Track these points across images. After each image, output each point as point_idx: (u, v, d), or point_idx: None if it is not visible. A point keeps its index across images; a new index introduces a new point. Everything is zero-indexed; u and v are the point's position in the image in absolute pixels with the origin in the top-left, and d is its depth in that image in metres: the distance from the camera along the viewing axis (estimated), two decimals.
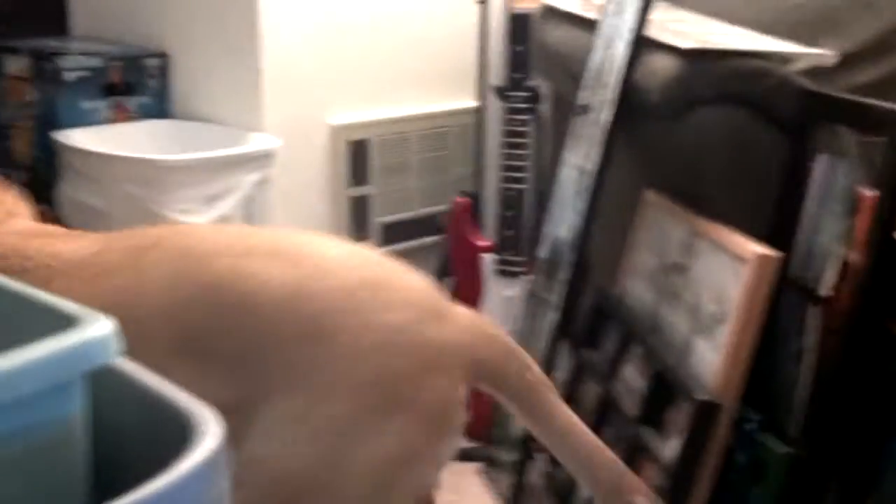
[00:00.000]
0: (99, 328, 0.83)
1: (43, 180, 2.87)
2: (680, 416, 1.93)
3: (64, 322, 0.85)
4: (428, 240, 3.13)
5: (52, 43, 3.07)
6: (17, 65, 2.96)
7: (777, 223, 1.99)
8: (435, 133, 3.14)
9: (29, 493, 0.83)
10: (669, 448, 1.92)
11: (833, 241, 1.81)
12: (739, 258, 1.91)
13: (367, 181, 3.02)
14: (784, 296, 1.90)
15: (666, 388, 1.99)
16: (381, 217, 3.06)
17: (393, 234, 3.09)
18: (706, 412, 1.85)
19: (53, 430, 0.83)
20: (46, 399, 0.81)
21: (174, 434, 0.87)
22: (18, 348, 0.79)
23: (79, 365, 0.82)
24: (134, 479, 0.80)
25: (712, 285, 1.99)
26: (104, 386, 0.91)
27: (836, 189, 1.83)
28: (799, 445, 1.80)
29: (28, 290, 0.97)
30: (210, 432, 0.86)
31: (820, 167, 1.89)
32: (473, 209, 2.85)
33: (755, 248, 1.88)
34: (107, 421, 0.92)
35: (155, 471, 0.80)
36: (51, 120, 2.84)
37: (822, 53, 2.18)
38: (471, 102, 3.13)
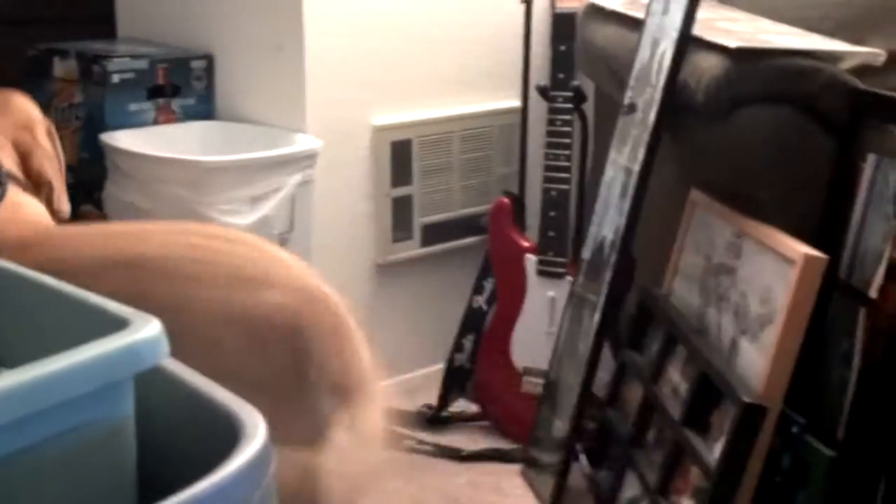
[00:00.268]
0: (148, 330, 0.85)
1: (89, 181, 2.89)
2: (724, 419, 1.92)
3: (114, 324, 0.87)
4: (470, 240, 3.13)
5: (98, 45, 3.08)
6: (64, 67, 2.98)
7: (825, 224, 1.97)
8: (478, 133, 3.13)
9: (79, 492, 0.85)
10: (714, 450, 1.91)
11: (882, 241, 1.79)
12: (787, 259, 1.90)
13: (410, 181, 3.02)
14: (832, 297, 1.88)
15: (710, 390, 1.98)
16: (423, 217, 3.05)
17: (435, 235, 3.09)
18: (751, 415, 1.84)
19: (104, 430, 0.85)
20: (97, 400, 0.82)
21: (221, 435, 0.89)
22: (70, 350, 0.80)
23: (129, 366, 0.84)
24: (181, 479, 0.81)
25: (759, 286, 1.98)
26: (152, 386, 0.92)
27: (885, 189, 1.82)
28: (844, 448, 1.79)
29: (79, 292, 0.99)
30: (256, 433, 0.87)
31: (869, 167, 1.87)
32: (516, 209, 2.85)
33: (803, 249, 1.87)
34: (155, 421, 0.94)
35: (202, 471, 0.82)
36: (97, 122, 2.85)
37: (871, 52, 2.16)
38: (514, 102, 3.13)
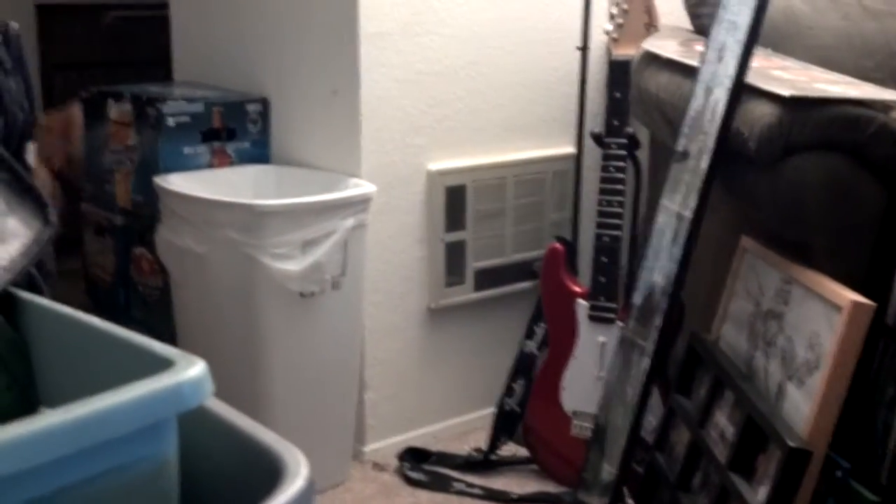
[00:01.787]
0: (193, 370, 0.87)
1: (142, 224, 2.96)
2: (770, 463, 1.96)
3: (159, 364, 0.89)
4: (522, 285, 3.18)
5: (153, 88, 3.14)
6: (119, 109, 3.04)
7: (873, 270, 2.01)
8: (532, 179, 3.17)
9: None
10: (759, 494, 1.95)
11: None
12: (834, 305, 1.94)
13: (464, 226, 3.06)
14: (878, 344, 1.93)
15: (757, 434, 2.02)
16: (476, 262, 3.10)
17: (488, 280, 3.13)
18: (796, 459, 1.88)
19: (147, 469, 0.87)
20: (141, 439, 0.85)
21: (263, 474, 0.90)
22: (114, 390, 0.83)
23: (173, 406, 0.86)
24: None
25: (806, 332, 2.02)
26: (196, 426, 0.94)
27: None
28: (888, 493, 1.83)
29: (125, 332, 1.02)
30: (298, 473, 0.89)
31: None
32: (568, 255, 2.89)
33: (850, 296, 1.91)
34: (198, 460, 0.96)
35: None
36: (151, 164, 2.90)
37: None
38: (569, 149, 3.19)
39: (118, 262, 3.19)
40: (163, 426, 0.87)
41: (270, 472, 0.89)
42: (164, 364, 0.88)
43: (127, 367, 0.91)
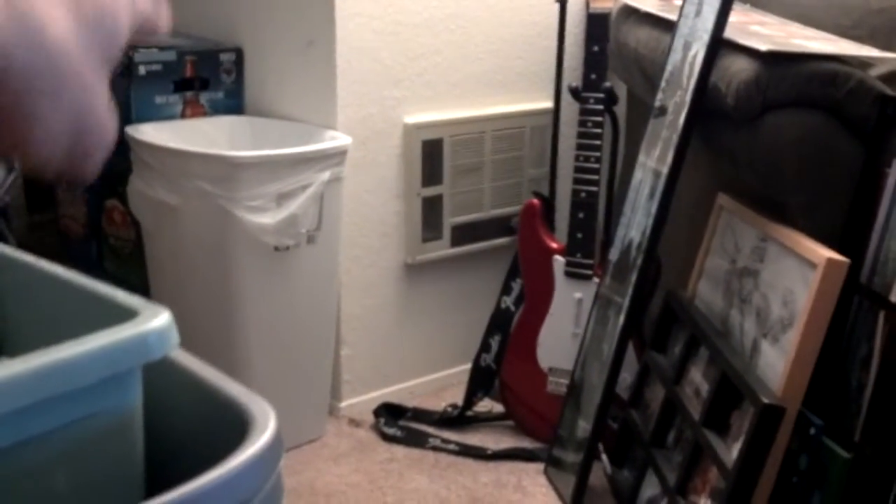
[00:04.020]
0: (157, 320, 0.84)
1: (114, 176, 2.91)
2: (744, 420, 2.00)
3: (123, 314, 0.86)
4: (500, 241, 3.20)
5: None
6: None
7: (849, 228, 2.04)
8: (510, 134, 3.19)
9: (86, 483, 0.86)
10: (732, 451, 1.99)
11: None
12: (809, 263, 1.98)
13: (441, 181, 3.07)
14: (852, 301, 1.97)
15: (731, 391, 2.06)
16: (453, 217, 3.12)
17: (465, 235, 3.16)
18: (769, 416, 1.92)
19: (111, 422, 0.85)
20: (104, 390, 0.83)
21: (230, 426, 0.89)
22: (77, 339, 0.80)
23: (137, 357, 0.84)
24: (190, 470, 0.81)
25: (781, 289, 2.06)
26: (162, 377, 0.92)
27: None
28: (860, 450, 1.87)
29: (88, 281, 0.99)
30: (266, 426, 0.88)
31: (893, 173, 1.94)
32: (545, 211, 2.91)
33: (824, 253, 1.94)
34: (163, 412, 0.94)
35: (210, 463, 0.82)
36: (123, 114, 2.80)
37: None
38: (547, 103, 3.19)
39: (89, 214, 3.18)
40: (126, 377, 0.85)
41: (237, 426, 0.88)
42: (128, 314, 0.86)
43: (90, 316, 0.88)
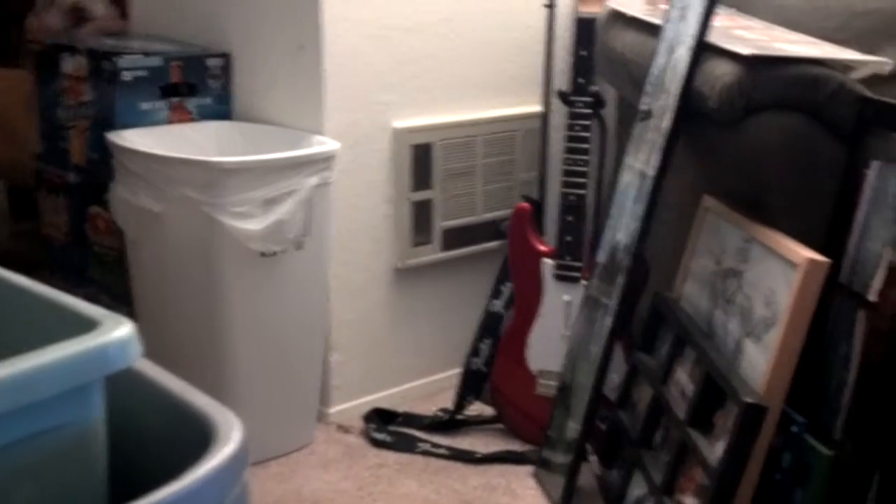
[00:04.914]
0: (120, 331, 0.85)
1: (98, 182, 2.93)
2: (727, 419, 2.05)
3: (84, 324, 0.87)
4: (491, 245, 3.23)
5: (110, 41, 3.11)
6: (74, 64, 3.02)
7: (830, 229, 2.09)
8: (500, 138, 3.22)
9: (49, 495, 0.85)
10: (716, 449, 2.04)
11: (882, 246, 1.92)
12: (791, 263, 2.03)
13: (431, 185, 3.11)
14: (834, 301, 2.02)
15: (715, 390, 2.11)
16: (443, 222, 3.15)
17: (455, 239, 3.19)
18: (752, 414, 1.97)
19: (73, 434, 0.85)
20: (66, 402, 0.83)
21: (195, 437, 0.90)
22: (37, 351, 0.80)
23: (99, 368, 0.84)
24: (154, 480, 0.82)
25: (764, 289, 2.11)
26: (125, 388, 0.92)
27: (887, 195, 1.94)
28: (843, 448, 1.92)
29: (49, 291, 0.99)
30: (230, 436, 0.89)
31: (872, 174, 1.99)
32: (536, 214, 2.95)
33: (806, 254, 2.00)
34: (128, 423, 0.94)
35: (175, 473, 0.83)
36: (107, 120, 2.87)
37: (879, 61, 2.27)
38: (537, 107, 3.22)
39: (72, 222, 3.19)
40: (88, 389, 0.85)
41: (202, 436, 0.89)
42: (89, 325, 0.86)
43: (51, 327, 0.89)
